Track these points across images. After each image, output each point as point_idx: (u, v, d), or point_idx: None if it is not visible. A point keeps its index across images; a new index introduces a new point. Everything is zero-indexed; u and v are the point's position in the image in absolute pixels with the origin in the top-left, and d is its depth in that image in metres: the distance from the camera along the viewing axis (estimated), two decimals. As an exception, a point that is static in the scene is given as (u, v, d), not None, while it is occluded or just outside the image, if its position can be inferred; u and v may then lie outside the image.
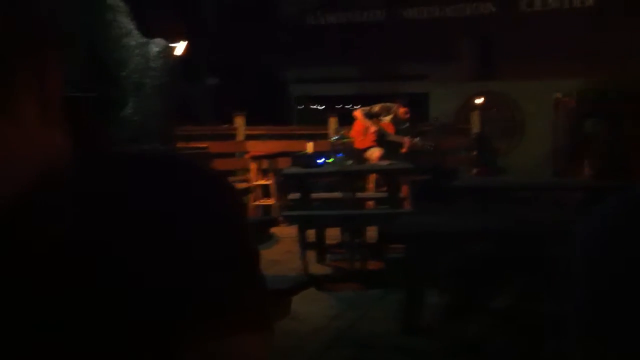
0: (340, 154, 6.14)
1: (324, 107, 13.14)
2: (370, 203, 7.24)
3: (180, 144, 6.13)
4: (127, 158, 0.71)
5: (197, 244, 0.65)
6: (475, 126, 9.62)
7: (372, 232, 5.62)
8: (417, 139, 7.28)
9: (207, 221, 0.66)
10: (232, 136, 9.29)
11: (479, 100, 10.91)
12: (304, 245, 5.24)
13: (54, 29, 0.61)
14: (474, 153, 9.00)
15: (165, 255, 0.64)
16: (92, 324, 0.64)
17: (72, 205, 0.65)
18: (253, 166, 8.06)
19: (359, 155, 6.90)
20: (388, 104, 7.39)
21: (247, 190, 7.64)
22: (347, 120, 8.31)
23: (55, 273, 0.64)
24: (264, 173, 8.07)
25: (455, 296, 3.34)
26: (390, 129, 7.31)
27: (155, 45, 2.78)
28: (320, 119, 10.37)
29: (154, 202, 0.66)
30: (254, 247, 0.70)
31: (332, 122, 9.18)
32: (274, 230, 6.90)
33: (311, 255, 5.42)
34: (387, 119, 7.35)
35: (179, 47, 7.73)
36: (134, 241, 0.64)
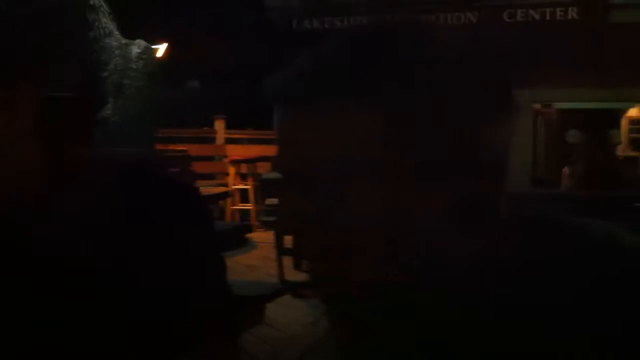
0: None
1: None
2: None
3: (159, 147, 6.08)
4: (97, 161, 0.71)
5: (163, 249, 0.65)
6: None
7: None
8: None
9: (173, 226, 0.67)
10: (211, 139, 9.25)
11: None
12: (281, 251, 5.22)
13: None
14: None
15: (130, 260, 0.64)
16: (85, 325, 0.63)
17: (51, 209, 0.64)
18: (232, 170, 8.03)
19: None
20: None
21: (225, 194, 7.60)
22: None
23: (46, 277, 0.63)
24: (242, 177, 8.04)
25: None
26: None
27: (137, 47, 2.76)
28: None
29: (119, 206, 0.66)
30: (220, 254, 0.71)
31: (313, 128, 9.19)
32: (252, 236, 6.87)
33: (288, 261, 5.39)
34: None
35: (160, 49, 7.69)
36: (99, 245, 0.64)
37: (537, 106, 11.49)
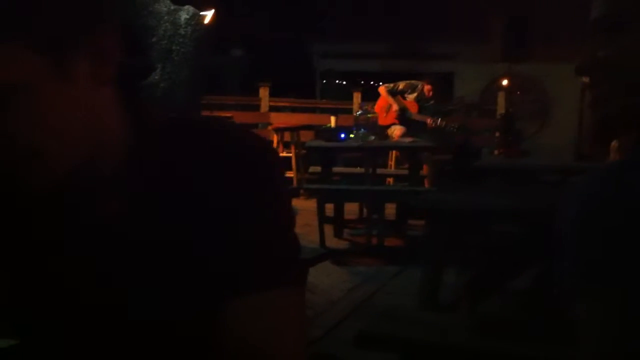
0: (363, 130, 6.13)
1: (348, 82, 13.09)
2: (390, 180, 7.25)
3: (204, 113, 6.16)
4: (175, 127, 0.75)
5: (243, 206, 0.70)
6: (501, 107, 9.54)
7: (390, 209, 5.63)
8: (439, 119, 7.24)
9: (253, 185, 0.71)
10: (256, 107, 9.31)
11: (505, 82, 10.79)
12: (322, 218, 5.28)
13: None
14: (498, 134, 8.94)
15: (212, 215, 0.69)
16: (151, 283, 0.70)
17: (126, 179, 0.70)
18: (275, 138, 8.09)
19: (381, 131, 6.89)
20: (413, 82, 7.35)
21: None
22: (372, 96, 8.29)
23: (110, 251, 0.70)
24: (286, 145, 8.10)
25: (477, 275, 3.34)
26: (413, 108, 7.29)
27: (185, 12, 2.80)
28: (345, 94, 10.34)
29: (202, 171, 0.70)
30: (292, 210, 0.77)
31: (356, 97, 9.15)
32: (294, 202, 6.91)
33: (329, 229, 5.46)
34: (411, 96, 7.32)
35: (207, 16, 7.69)
36: (181, 206, 0.69)
37: (586, 79, 11.18)
